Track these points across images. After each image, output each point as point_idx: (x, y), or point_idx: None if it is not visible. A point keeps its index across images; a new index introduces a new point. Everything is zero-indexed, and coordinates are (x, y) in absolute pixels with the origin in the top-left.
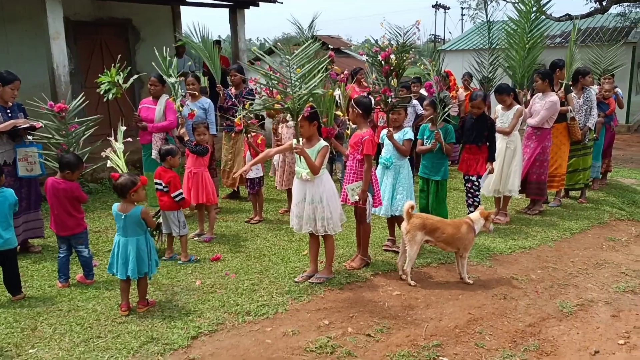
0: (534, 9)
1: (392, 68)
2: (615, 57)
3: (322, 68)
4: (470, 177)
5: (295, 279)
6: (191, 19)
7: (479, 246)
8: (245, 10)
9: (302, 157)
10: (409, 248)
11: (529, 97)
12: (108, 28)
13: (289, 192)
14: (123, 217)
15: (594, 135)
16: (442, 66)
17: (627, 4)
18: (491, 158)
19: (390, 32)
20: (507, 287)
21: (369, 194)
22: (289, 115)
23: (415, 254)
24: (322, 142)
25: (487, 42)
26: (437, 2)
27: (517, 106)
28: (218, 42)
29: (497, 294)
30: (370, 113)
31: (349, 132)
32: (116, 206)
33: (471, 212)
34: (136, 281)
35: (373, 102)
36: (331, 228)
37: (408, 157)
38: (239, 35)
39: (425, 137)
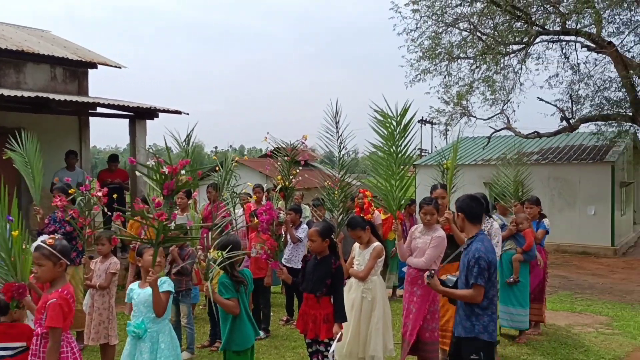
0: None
1: (177, 186)
2: (523, 176)
3: None
4: (312, 342)
5: None
6: (97, 127)
7: None
8: (148, 121)
9: None
10: None
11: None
12: None
13: (102, 347)
14: None
15: (512, 277)
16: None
17: (601, 122)
18: (338, 317)
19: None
20: None
21: None
22: None
23: None
24: None
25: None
26: (422, 117)
27: (375, 244)
28: (114, 156)
29: None
30: (69, 257)
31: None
32: None
33: None
34: None
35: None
36: None
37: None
38: (138, 146)
39: None
